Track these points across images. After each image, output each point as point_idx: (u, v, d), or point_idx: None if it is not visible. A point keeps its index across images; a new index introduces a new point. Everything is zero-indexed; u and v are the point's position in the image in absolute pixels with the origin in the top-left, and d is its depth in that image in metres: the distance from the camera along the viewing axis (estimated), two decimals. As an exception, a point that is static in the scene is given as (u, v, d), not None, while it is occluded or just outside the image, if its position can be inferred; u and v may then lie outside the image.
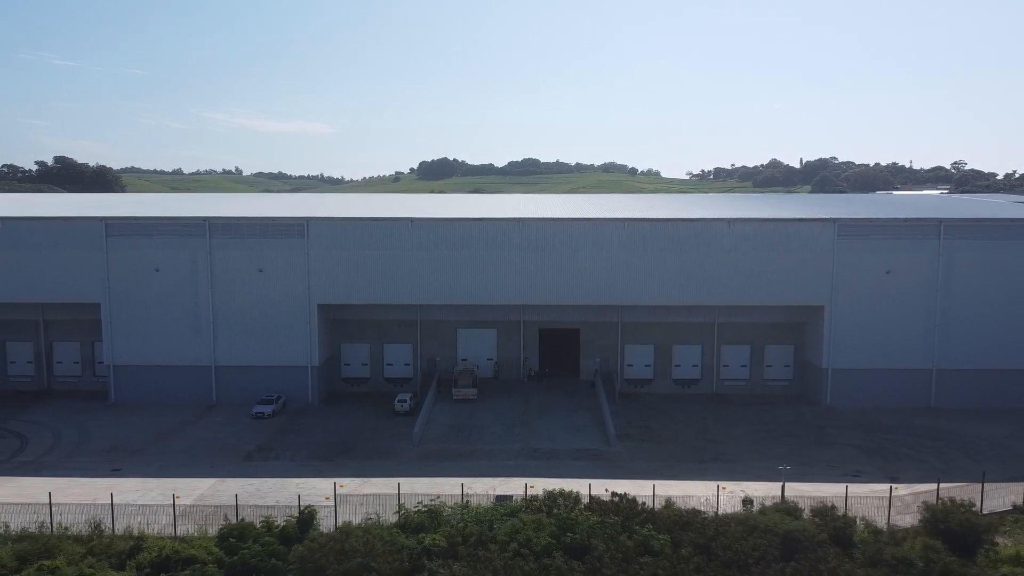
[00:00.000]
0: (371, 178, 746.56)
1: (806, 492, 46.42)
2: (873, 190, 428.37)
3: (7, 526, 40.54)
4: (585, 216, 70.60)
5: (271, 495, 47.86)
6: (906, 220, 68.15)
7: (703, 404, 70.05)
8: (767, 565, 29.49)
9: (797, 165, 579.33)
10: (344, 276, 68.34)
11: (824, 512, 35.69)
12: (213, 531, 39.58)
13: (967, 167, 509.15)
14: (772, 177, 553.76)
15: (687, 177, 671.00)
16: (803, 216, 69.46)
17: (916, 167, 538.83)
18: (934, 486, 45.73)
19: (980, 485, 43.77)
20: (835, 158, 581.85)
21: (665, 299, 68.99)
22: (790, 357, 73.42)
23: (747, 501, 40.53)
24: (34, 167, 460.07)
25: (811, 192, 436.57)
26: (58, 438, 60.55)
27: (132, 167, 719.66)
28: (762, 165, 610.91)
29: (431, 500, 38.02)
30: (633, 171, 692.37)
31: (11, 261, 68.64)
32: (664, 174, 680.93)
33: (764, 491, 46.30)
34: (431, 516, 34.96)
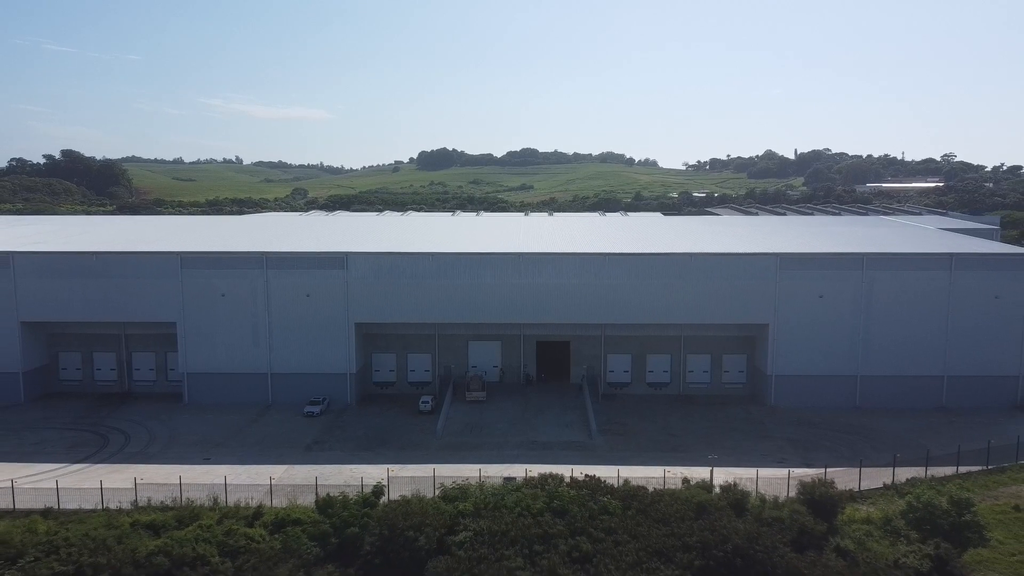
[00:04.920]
0: (371, 167, 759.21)
1: (739, 475, 60.29)
2: (864, 182, 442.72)
3: (149, 500, 55.78)
4: (574, 251, 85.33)
5: (332, 478, 61.89)
6: (835, 254, 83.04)
7: (671, 404, 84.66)
8: (683, 522, 44.82)
9: (791, 156, 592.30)
10: (377, 299, 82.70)
11: (729, 488, 50.93)
12: (300, 502, 54.67)
13: (956, 159, 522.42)
14: (767, 169, 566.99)
15: (683, 168, 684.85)
16: (751, 251, 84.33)
17: (908, 159, 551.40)
18: (838, 470, 60.87)
19: (859, 469, 59.18)
20: (828, 150, 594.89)
21: (640, 318, 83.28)
22: (743, 364, 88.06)
23: (685, 481, 55.67)
24: (42, 160, 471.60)
25: (804, 183, 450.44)
26: (152, 434, 75.25)
27: (133, 156, 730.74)
28: (757, 156, 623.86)
29: (463, 480, 53.46)
30: (630, 161, 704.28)
31: (102, 287, 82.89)
32: (661, 163, 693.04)
33: (705, 475, 61.23)
34: (462, 491, 50.57)
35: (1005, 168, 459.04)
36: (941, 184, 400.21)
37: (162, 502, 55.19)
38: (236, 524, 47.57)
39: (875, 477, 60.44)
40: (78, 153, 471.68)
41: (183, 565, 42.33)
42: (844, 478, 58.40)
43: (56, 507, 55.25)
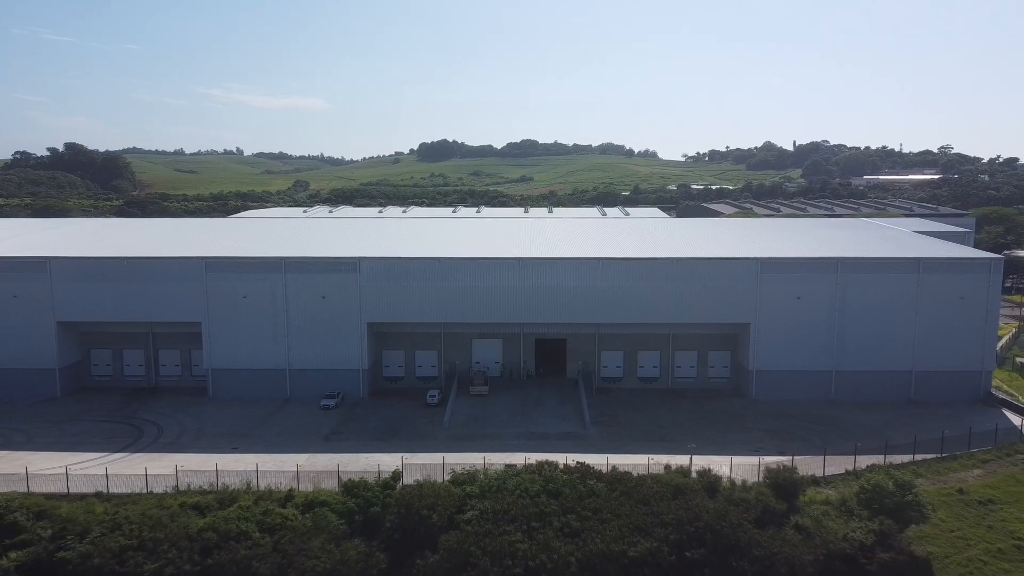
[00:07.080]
0: (371, 158, 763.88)
1: (717, 462, 66.77)
2: (861, 174, 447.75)
3: (189, 485, 62.37)
4: (570, 255, 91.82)
5: (351, 464, 67.71)
6: (812, 258, 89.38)
7: (660, 397, 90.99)
8: (661, 502, 51.60)
9: (790, 148, 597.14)
10: (387, 300, 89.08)
11: (704, 473, 57.72)
12: (324, 487, 61.21)
13: (953, 151, 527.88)
14: (765, 160, 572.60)
15: (683, 159, 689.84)
16: (734, 256, 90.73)
17: (906, 150, 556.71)
18: (806, 457, 67.39)
19: (823, 457, 65.87)
20: (827, 141, 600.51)
21: (631, 318, 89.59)
22: (728, 360, 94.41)
23: (667, 467, 62.23)
24: (46, 153, 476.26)
25: (802, 175, 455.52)
26: (183, 426, 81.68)
27: (134, 147, 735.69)
28: (756, 148, 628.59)
29: (471, 467, 60.24)
30: (630, 152, 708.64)
31: (131, 290, 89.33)
32: (661, 155, 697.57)
33: (685, 462, 67.31)
34: (469, 476, 57.43)
35: (1001, 160, 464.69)
36: (937, 177, 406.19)
37: (200, 487, 61.72)
38: (271, 505, 54.31)
39: (839, 464, 66.88)
40: (81, 146, 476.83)
41: (229, 540, 49.08)
42: (811, 465, 65.05)
43: (106, 491, 61.79)
